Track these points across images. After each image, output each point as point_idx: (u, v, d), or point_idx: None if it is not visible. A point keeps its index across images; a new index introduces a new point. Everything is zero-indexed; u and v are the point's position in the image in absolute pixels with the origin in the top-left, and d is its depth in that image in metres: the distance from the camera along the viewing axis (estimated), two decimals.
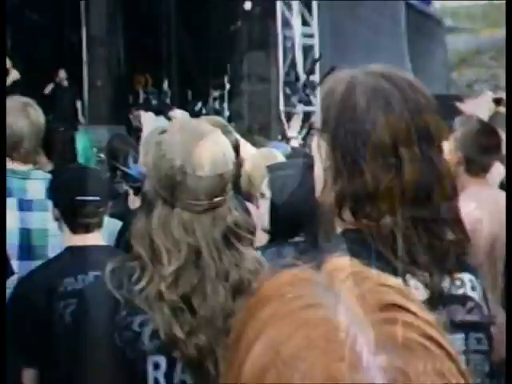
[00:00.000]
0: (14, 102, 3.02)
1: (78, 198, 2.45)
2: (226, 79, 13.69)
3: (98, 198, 2.46)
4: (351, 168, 1.34)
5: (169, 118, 4.70)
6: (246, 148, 3.96)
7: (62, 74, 13.23)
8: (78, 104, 13.49)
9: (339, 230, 1.44)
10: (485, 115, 3.96)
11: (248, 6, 13.83)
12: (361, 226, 1.37)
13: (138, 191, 3.98)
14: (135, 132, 11.54)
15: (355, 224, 1.38)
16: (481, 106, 4.12)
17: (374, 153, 1.33)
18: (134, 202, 3.92)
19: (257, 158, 3.45)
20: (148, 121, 3.89)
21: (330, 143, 1.39)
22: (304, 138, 9.61)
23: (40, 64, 14.57)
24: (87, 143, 4.12)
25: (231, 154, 1.80)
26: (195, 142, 1.71)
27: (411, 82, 1.42)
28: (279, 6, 12.80)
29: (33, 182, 2.89)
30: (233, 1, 14.08)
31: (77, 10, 15.26)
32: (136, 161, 4.25)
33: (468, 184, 3.06)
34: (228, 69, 13.94)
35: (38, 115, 3.02)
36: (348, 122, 1.36)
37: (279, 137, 10.85)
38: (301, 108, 12.50)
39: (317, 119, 1.48)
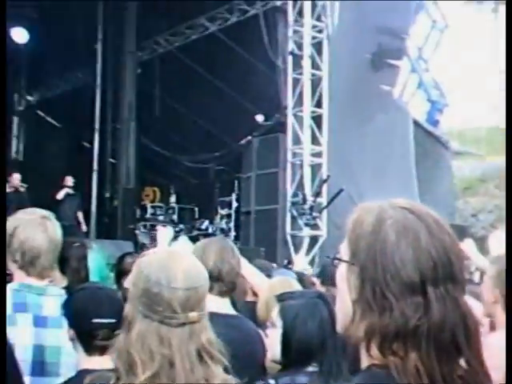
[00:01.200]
0: (32, 215, 3.05)
1: (95, 320, 2.45)
2: (233, 197, 13.80)
3: (114, 321, 2.46)
4: (381, 303, 1.34)
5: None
6: (252, 272, 3.99)
7: (70, 181, 13.37)
8: (80, 214, 13.52)
9: (365, 364, 1.42)
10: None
11: (260, 118, 14.08)
12: (387, 362, 1.36)
13: None
14: (141, 248, 11.60)
15: (382, 360, 1.37)
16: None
17: (403, 290, 1.34)
18: None
19: (274, 286, 3.50)
20: (164, 236, 3.90)
21: (359, 276, 1.38)
22: (311, 264, 9.55)
23: (52, 167, 14.86)
24: (102, 260, 4.12)
25: (204, 271, 1.93)
26: (170, 258, 1.88)
27: (437, 219, 1.44)
28: (290, 120, 12.95)
29: (48, 298, 2.89)
30: (245, 114, 14.41)
31: (91, 116, 15.71)
32: None
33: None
34: (236, 186, 14.09)
35: (55, 229, 3.04)
36: (378, 255, 1.36)
37: (285, 261, 10.79)
38: (307, 231, 12.46)
39: (344, 249, 1.48)
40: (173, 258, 1.88)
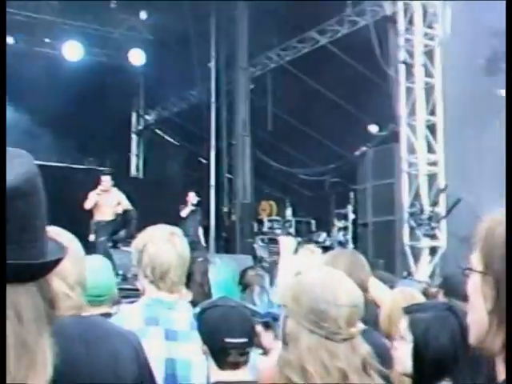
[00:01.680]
0: (160, 231, 3.16)
1: (227, 340, 2.53)
2: (350, 209, 13.72)
3: (246, 340, 2.53)
4: None
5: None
6: (375, 284, 3.96)
7: (194, 198, 13.65)
8: (200, 229, 13.79)
9: (502, 377, 1.40)
10: None
11: (374, 129, 13.94)
12: None
13: (267, 326, 4.01)
14: (260, 262, 11.73)
15: None
16: None
17: None
18: (266, 337, 3.94)
19: (396, 298, 3.47)
20: (288, 246, 3.94)
21: (494, 286, 1.37)
22: (432, 275, 9.35)
23: (171, 184, 15.23)
24: (226, 274, 4.20)
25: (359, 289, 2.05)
26: (331, 277, 2.01)
27: None
28: (404, 130, 12.76)
29: (178, 312, 2.98)
30: (358, 125, 14.32)
31: (207, 133, 16.07)
32: (265, 294, 4.26)
33: None
34: (352, 198, 14.00)
35: (183, 245, 3.14)
36: None
37: (405, 272, 10.60)
38: (426, 242, 12.21)
39: (476, 260, 1.47)
40: (334, 277, 2.02)
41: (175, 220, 11.76)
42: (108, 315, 3.03)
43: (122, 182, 14.93)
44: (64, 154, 15.93)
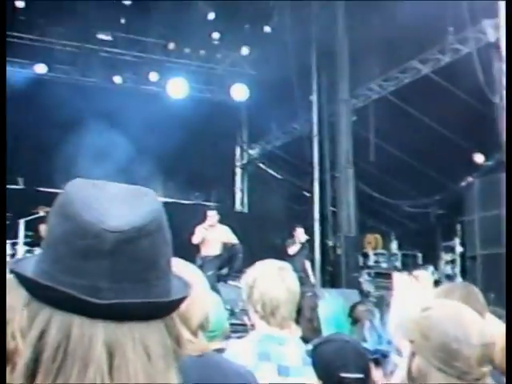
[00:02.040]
0: (270, 267, 3.17)
1: (343, 375, 2.49)
2: (457, 242, 13.39)
3: (362, 376, 2.49)
4: None
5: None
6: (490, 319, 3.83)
7: (302, 234, 13.59)
8: (308, 264, 13.72)
9: None
10: None
11: (479, 159, 13.61)
12: None
13: (376, 363, 3.94)
14: (367, 296, 11.57)
15: None
16: None
17: None
18: (375, 374, 3.86)
19: None
20: (401, 283, 3.87)
21: None
22: None
23: (275, 218, 15.29)
24: (336, 309, 4.16)
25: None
26: (461, 313, 1.93)
27: None
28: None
29: (290, 347, 2.97)
30: (463, 154, 14.01)
31: (310, 166, 16.10)
32: (375, 329, 4.19)
33: None
34: (459, 230, 13.66)
35: (293, 280, 3.14)
36: None
37: None
38: None
39: None
40: (464, 314, 1.95)
41: (281, 254, 11.79)
42: (221, 350, 3.05)
43: (228, 216, 15.13)
44: (171, 189, 16.31)
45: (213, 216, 12.62)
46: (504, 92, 12.43)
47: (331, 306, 4.19)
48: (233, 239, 12.69)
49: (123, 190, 1.13)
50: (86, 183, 1.13)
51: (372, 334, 4.37)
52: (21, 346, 1.91)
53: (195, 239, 12.33)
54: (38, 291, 1.06)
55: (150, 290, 1.06)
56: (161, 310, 1.09)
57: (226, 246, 12.71)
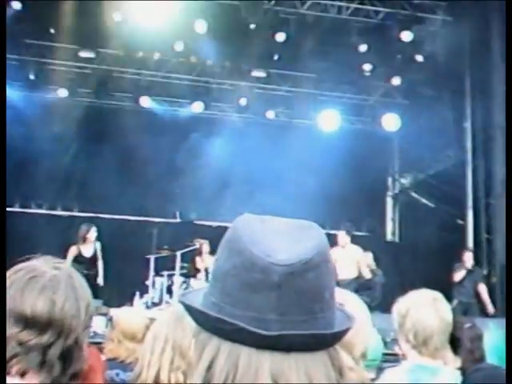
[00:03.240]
0: (423, 296, 3.21)
1: None
2: None
3: None
4: None
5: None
6: None
7: (469, 257, 13.24)
8: (483, 289, 13.23)
9: None
10: None
11: None
12: None
13: None
14: None
15: None
16: None
17: None
18: None
19: None
20: None
21: None
22: None
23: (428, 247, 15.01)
24: (498, 338, 4.04)
25: None
26: None
27: None
28: None
29: (442, 377, 3.00)
30: None
31: (463, 193, 15.74)
32: None
33: None
34: None
35: (446, 310, 3.17)
36: None
37: None
38: None
39: None
40: None
41: (434, 283, 11.57)
42: (373, 379, 3.11)
43: (379, 246, 15.06)
44: (325, 220, 16.46)
45: (342, 236, 12.45)
46: None
47: (494, 336, 4.10)
48: (372, 265, 12.52)
49: (288, 224, 1.17)
50: (254, 218, 1.18)
51: None
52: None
53: None
54: (208, 323, 1.12)
55: (316, 322, 1.09)
56: (325, 341, 1.12)
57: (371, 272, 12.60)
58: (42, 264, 1.74)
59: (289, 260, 1.08)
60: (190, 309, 1.16)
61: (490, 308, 12.99)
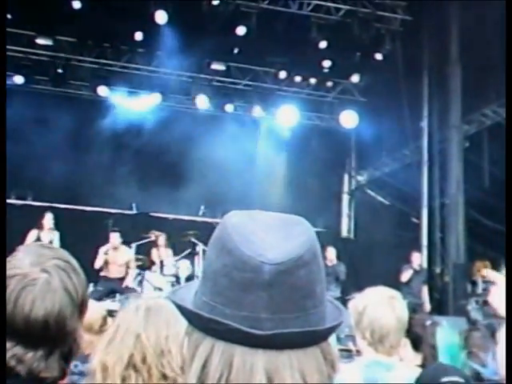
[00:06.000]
0: (380, 294, 3.22)
1: (443, 379, 2.52)
2: None
3: (463, 381, 2.52)
4: None
5: None
6: None
7: (417, 257, 13.56)
8: (425, 290, 13.54)
9: None
10: None
11: None
12: None
13: None
14: (474, 324, 11.28)
15: None
16: None
17: None
18: None
19: None
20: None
21: None
22: None
23: (383, 244, 15.16)
24: (451, 337, 4.10)
25: None
26: None
27: None
28: None
29: (397, 373, 3.03)
30: None
31: (418, 192, 15.87)
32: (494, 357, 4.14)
33: None
34: None
35: (403, 309, 3.19)
36: None
37: None
38: None
39: None
40: None
41: (388, 280, 11.69)
42: None
43: (334, 242, 15.14)
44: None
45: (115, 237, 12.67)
46: None
47: (447, 334, 4.15)
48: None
49: (276, 219, 1.17)
50: (242, 215, 1.17)
51: (485, 364, 4.32)
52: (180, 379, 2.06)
53: None
54: (200, 323, 1.11)
55: (308, 319, 1.09)
56: (318, 337, 1.12)
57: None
58: (31, 264, 1.68)
59: (279, 258, 1.08)
60: (182, 309, 1.15)
61: (427, 306, 13.26)
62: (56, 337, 1.65)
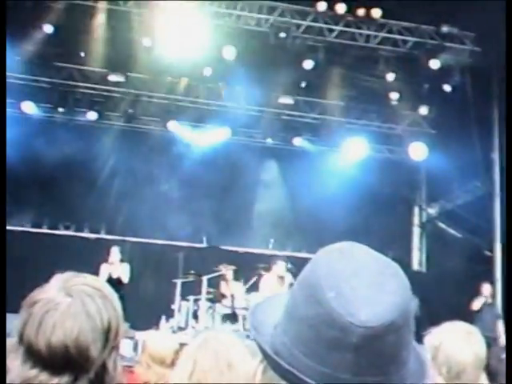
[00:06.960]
0: (458, 329, 3.13)
1: None
2: None
3: None
4: None
5: None
6: None
7: (487, 289, 13.27)
8: (500, 324, 13.19)
9: None
10: None
11: None
12: None
13: None
14: None
15: None
16: None
17: None
18: None
19: None
20: None
21: None
22: None
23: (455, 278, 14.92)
24: None
25: None
26: None
27: None
28: None
29: None
30: None
31: (490, 225, 15.59)
32: None
33: None
34: None
35: (480, 344, 3.10)
36: None
37: None
38: None
39: None
40: None
41: (460, 314, 11.43)
42: None
43: (406, 276, 14.89)
44: None
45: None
46: None
47: None
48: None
49: (372, 262, 1.12)
50: (333, 252, 1.13)
51: None
52: None
53: None
54: (278, 370, 1.09)
55: (389, 382, 1.07)
56: None
57: None
58: (58, 289, 1.67)
59: (370, 322, 1.04)
60: (261, 347, 1.12)
61: (502, 340, 12.88)
62: (79, 363, 1.62)
